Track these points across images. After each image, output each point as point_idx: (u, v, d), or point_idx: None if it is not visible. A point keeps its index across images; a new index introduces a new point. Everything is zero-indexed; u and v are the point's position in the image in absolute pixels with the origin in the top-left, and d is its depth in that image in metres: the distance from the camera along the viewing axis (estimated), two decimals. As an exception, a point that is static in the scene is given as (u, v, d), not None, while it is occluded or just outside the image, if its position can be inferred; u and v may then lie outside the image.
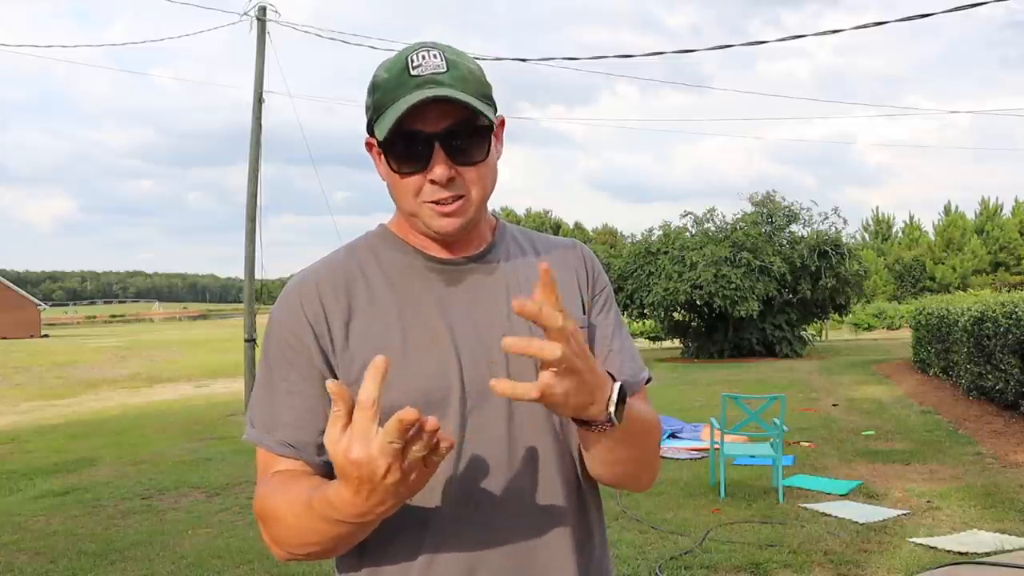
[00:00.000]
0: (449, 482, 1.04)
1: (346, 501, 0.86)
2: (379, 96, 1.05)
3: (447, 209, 1.05)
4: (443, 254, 1.13)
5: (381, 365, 0.82)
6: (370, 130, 1.10)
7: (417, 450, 0.82)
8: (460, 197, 1.06)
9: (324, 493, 0.90)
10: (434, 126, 1.02)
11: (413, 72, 1.02)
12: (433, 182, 1.04)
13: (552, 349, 0.83)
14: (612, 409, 0.93)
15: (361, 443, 0.81)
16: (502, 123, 1.14)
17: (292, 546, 0.99)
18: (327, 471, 1.06)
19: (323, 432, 1.05)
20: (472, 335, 1.08)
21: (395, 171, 1.06)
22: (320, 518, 0.92)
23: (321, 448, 1.06)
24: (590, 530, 1.14)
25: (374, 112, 1.06)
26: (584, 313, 1.17)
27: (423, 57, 1.03)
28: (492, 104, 1.09)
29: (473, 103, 1.01)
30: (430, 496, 1.03)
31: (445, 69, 1.03)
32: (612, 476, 1.11)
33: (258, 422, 1.08)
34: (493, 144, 1.09)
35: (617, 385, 0.94)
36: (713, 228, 22.55)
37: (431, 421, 0.81)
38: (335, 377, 1.06)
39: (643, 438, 1.07)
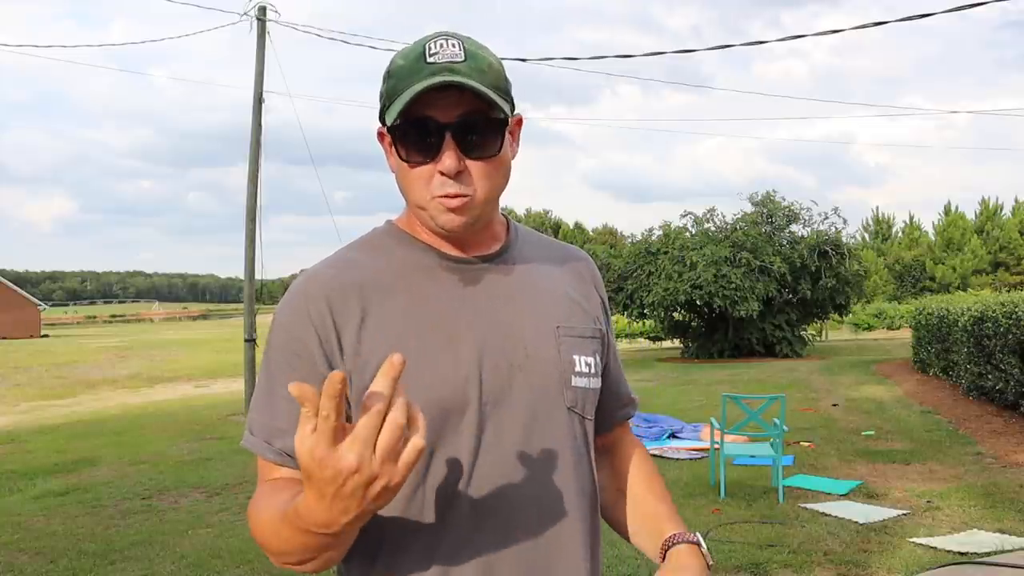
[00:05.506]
0: (466, 486, 1.01)
1: (311, 508, 0.81)
2: (393, 83, 1.01)
3: (452, 204, 1.01)
4: (457, 253, 1.09)
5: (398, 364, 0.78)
6: (382, 119, 1.05)
7: (387, 440, 0.76)
8: (466, 195, 1.01)
9: (295, 502, 0.86)
10: (447, 115, 0.99)
11: (429, 59, 0.99)
12: (442, 173, 1.00)
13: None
14: None
15: (350, 444, 0.76)
16: (519, 122, 1.09)
17: (274, 555, 0.95)
18: None
19: None
20: (489, 337, 1.05)
21: (404, 160, 1.02)
22: (291, 528, 0.88)
23: None
24: (598, 536, 1.13)
25: (387, 99, 1.02)
26: (597, 324, 1.18)
27: (441, 45, 1.00)
28: (509, 100, 1.05)
29: (487, 93, 0.98)
30: (446, 501, 1.00)
31: (463, 59, 0.99)
32: None
33: (257, 429, 1.04)
34: (507, 141, 1.06)
35: None
36: (713, 228, 22.57)
37: (414, 410, 0.78)
38: None
39: None
